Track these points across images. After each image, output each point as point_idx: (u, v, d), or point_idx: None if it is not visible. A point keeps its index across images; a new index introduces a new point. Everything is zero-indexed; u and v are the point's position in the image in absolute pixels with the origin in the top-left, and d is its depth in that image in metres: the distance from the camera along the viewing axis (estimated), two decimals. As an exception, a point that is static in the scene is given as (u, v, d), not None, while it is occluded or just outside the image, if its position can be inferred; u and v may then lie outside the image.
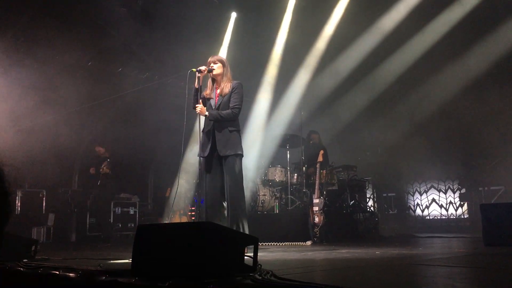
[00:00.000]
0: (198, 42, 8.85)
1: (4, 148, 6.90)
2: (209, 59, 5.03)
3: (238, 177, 4.81)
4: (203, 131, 4.94)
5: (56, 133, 8.38)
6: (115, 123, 9.62)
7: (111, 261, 3.66)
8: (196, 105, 4.83)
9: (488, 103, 9.27)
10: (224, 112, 4.83)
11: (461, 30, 8.82)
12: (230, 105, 4.87)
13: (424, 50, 9.43)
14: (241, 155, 4.91)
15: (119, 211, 9.41)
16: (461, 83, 9.35)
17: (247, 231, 4.76)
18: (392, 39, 9.39)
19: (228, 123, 4.86)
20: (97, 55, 8.80)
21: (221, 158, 4.85)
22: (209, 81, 5.09)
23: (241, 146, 4.94)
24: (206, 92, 5.06)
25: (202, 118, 4.92)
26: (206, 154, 4.83)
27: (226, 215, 4.84)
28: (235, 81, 4.98)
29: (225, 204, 4.86)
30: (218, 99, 4.95)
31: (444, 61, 9.54)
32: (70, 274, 2.50)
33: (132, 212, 9.68)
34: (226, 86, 4.92)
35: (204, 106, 4.93)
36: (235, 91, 4.90)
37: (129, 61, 9.46)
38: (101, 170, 8.60)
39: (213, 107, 4.94)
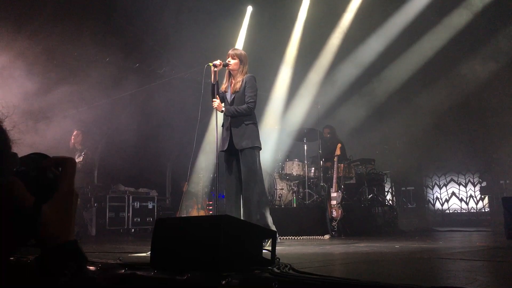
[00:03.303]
0: (215, 36, 8.85)
1: (28, 143, 6.98)
2: (229, 52, 5.03)
3: (254, 170, 4.82)
4: (222, 125, 4.98)
5: (76, 127, 8.47)
6: (133, 119, 9.69)
7: (131, 255, 3.69)
8: (213, 100, 4.86)
9: (510, 95, 9.08)
10: (239, 107, 4.85)
11: (484, 19, 8.68)
12: (246, 99, 4.87)
13: (445, 42, 9.30)
14: (259, 148, 4.92)
15: (138, 205, 9.50)
16: (482, 75, 9.19)
17: (269, 222, 4.77)
18: (413, 30, 9.27)
19: (244, 117, 4.87)
20: (115, 51, 8.86)
21: (238, 151, 4.86)
22: (226, 74, 5.11)
23: (259, 139, 4.94)
24: (222, 87, 5.08)
25: (220, 113, 4.95)
26: (225, 148, 4.87)
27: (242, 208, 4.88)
28: (247, 75, 4.96)
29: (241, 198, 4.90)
30: (232, 95, 4.96)
31: (465, 53, 9.38)
32: (90, 267, 2.52)
33: (150, 207, 9.76)
34: (238, 82, 4.93)
35: (222, 101, 4.96)
36: (248, 85, 4.90)
37: (146, 56, 9.51)
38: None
39: (228, 101, 4.97)
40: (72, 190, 0.93)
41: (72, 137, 7.83)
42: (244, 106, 4.85)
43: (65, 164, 0.93)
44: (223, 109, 4.86)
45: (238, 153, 4.88)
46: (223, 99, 5.03)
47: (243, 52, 5.13)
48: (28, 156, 0.92)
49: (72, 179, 0.93)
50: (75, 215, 0.94)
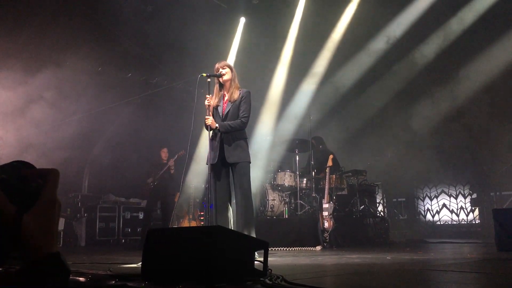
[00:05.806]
0: (207, 47, 8.88)
1: (19, 153, 6.96)
2: (216, 65, 5.03)
3: (248, 183, 4.84)
4: (212, 139, 4.94)
5: (66, 137, 8.43)
6: (125, 128, 9.66)
7: (121, 266, 3.66)
8: (206, 118, 4.82)
9: (500, 107, 9.18)
10: (233, 122, 4.82)
11: (474, 33, 8.79)
12: (240, 114, 4.86)
13: (435, 55, 9.39)
14: (249, 163, 4.93)
15: (129, 215, 9.43)
16: (472, 87, 9.29)
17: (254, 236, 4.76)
18: (405, 42, 9.37)
19: (237, 132, 4.86)
20: (107, 61, 8.85)
21: (229, 165, 4.85)
22: (216, 88, 5.07)
23: (249, 154, 4.96)
24: (214, 102, 5.02)
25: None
26: (215, 161, 4.83)
27: (232, 220, 4.86)
28: (244, 89, 4.98)
29: (231, 210, 4.88)
30: (226, 106, 4.95)
31: (454, 66, 9.49)
32: (80, 279, 2.49)
33: (141, 217, 9.69)
34: (235, 93, 4.92)
35: (212, 114, 4.94)
36: (244, 100, 4.90)
37: (138, 66, 9.51)
38: (170, 163, 8.45)
39: (221, 114, 4.93)
40: (55, 199, 0.89)
41: (162, 153, 8.64)
42: (238, 121, 4.84)
43: (48, 175, 0.89)
44: (217, 125, 4.83)
45: (229, 167, 4.87)
46: (213, 114, 4.99)
47: (228, 62, 5.18)
48: (10, 164, 0.89)
49: (55, 188, 0.90)
50: (58, 225, 0.91)
